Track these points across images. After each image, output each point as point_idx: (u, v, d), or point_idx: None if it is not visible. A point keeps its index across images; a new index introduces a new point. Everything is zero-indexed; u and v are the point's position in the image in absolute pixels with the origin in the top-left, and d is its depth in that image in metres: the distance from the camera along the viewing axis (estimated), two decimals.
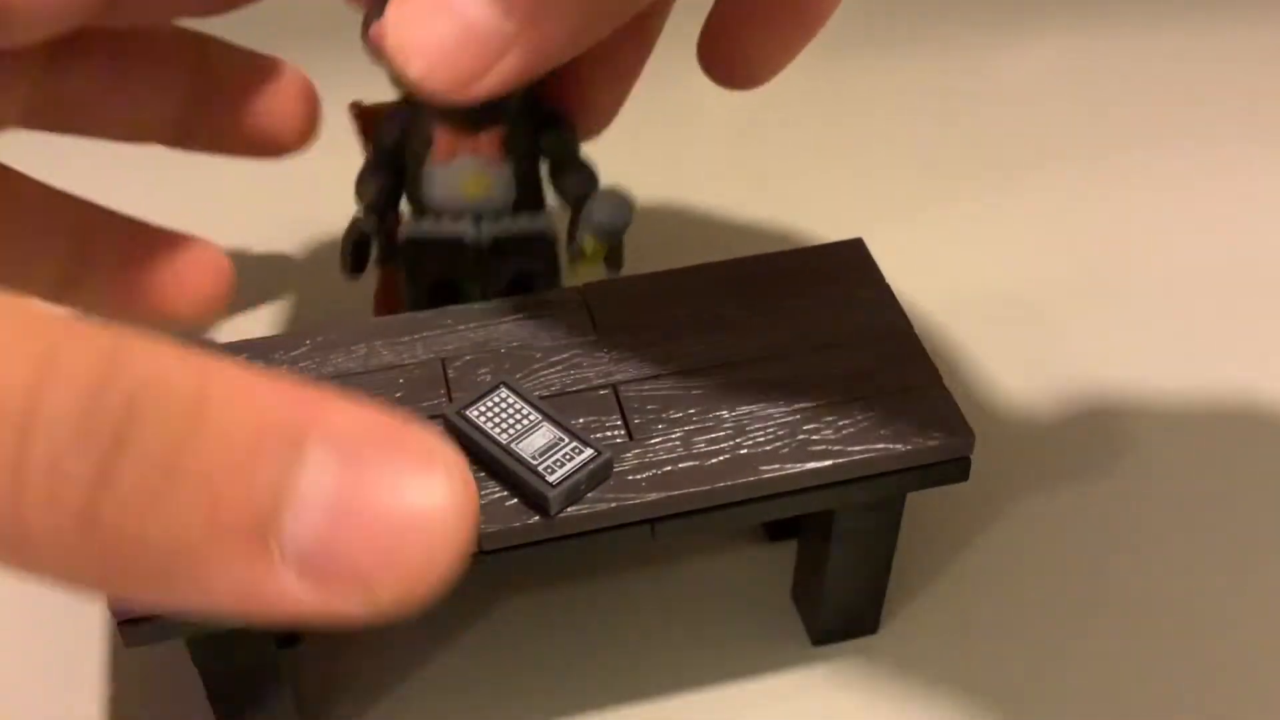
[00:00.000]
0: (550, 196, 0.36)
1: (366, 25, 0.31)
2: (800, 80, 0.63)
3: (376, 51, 0.30)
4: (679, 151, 0.57)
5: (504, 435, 0.32)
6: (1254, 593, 0.41)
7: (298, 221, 0.52)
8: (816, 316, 0.36)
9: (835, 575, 0.37)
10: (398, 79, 0.31)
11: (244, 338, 0.37)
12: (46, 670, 0.40)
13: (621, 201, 0.32)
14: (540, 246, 0.34)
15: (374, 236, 0.34)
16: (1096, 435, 0.46)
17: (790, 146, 0.60)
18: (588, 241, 0.34)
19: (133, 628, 0.30)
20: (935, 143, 0.60)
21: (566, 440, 0.32)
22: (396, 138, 0.34)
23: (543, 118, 0.33)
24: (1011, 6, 0.66)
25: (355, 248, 0.34)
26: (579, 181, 0.34)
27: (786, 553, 0.41)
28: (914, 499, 0.36)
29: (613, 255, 0.34)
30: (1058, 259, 0.54)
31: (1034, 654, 0.40)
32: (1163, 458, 0.46)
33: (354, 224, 0.34)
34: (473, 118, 0.31)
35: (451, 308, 0.36)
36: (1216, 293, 0.52)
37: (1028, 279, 0.52)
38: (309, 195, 0.49)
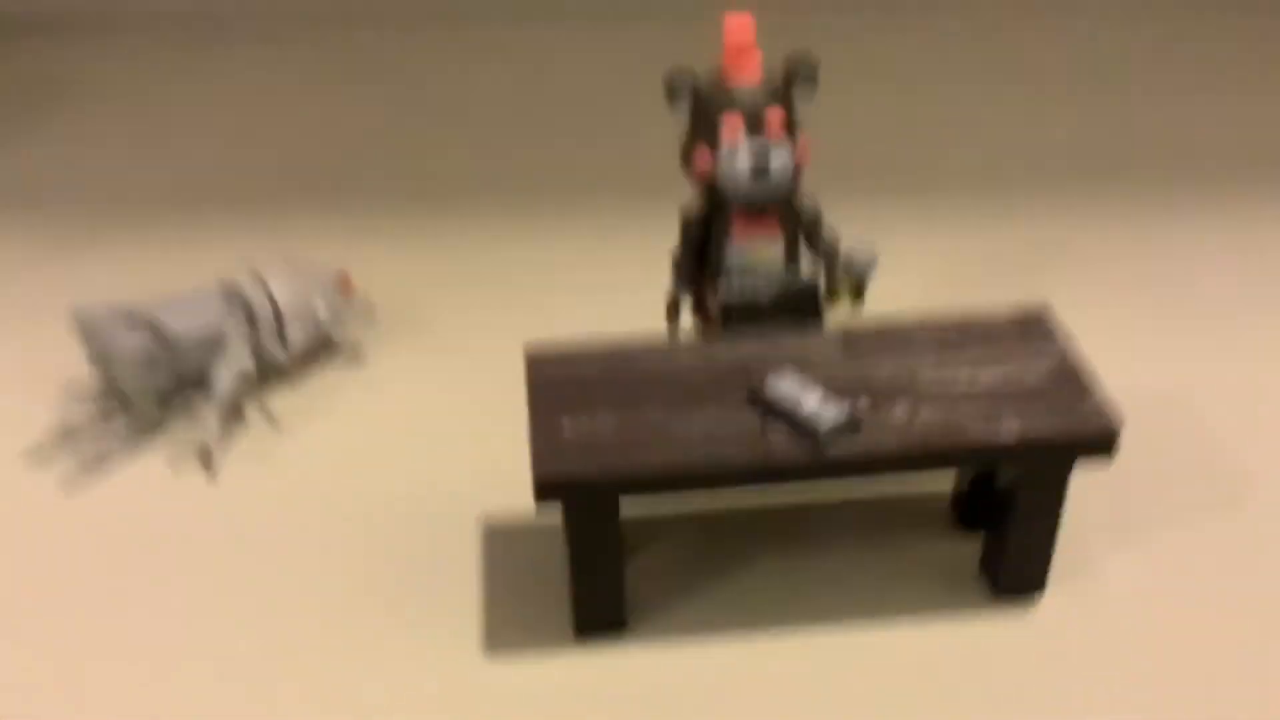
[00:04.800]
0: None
1: (686, 156, 0.51)
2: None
3: (694, 175, 0.47)
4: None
5: (788, 403, 0.49)
6: None
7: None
8: (1009, 352, 0.52)
9: (1015, 542, 0.52)
10: (703, 193, 0.49)
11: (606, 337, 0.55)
12: (421, 555, 0.57)
13: (872, 248, 0.49)
14: (809, 292, 0.51)
15: (684, 300, 0.52)
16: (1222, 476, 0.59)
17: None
18: (847, 282, 0.51)
19: (543, 488, 0.48)
20: None
21: (832, 407, 0.48)
22: (699, 233, 0.51)
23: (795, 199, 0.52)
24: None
25: (671, 309, 0.51)
26: (828, 240, 0.51)
27: (973, 543, 0.56)
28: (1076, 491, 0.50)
29: (859, 291, 0.51)
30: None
31: (1166, 613, 0.53)
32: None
33: (671, 295, 0.52)
34: (759, 206, 0.49)
35: (744, 338, 0.53)
36: None
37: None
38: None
